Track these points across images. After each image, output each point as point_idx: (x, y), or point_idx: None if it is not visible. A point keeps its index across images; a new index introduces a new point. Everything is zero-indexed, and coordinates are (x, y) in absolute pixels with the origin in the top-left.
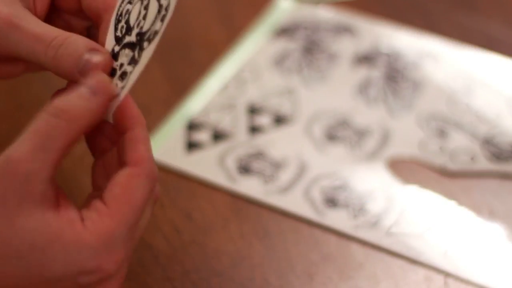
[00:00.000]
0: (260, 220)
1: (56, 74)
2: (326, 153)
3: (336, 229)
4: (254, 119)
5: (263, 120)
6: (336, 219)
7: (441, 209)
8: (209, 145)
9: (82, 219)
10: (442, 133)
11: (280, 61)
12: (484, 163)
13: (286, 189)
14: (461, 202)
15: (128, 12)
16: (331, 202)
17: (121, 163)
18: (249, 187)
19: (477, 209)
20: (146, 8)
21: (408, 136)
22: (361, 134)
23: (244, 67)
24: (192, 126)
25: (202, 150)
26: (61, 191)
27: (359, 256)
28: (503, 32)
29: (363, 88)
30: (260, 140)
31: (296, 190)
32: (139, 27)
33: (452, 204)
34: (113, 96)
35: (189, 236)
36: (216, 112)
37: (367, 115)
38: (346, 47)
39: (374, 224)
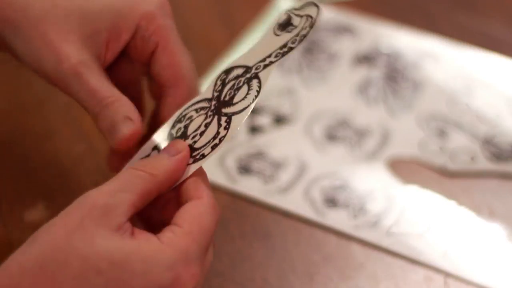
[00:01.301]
0: (260, 220)
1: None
2: (326, 153)
3: (336, 229)
4: (254, 119)
5: (263, 120)
6: (336, 219)
7: (441, 209)
8: None
9: (158, 238)
10: (442, 133)
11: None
12: (484, 163)
13: (286, 189)
14: (461, 202)
15: (191, 119)
16: (331, 202)
17: (186, 199)
18: (249, 187)
19: (477, 209)
20: (206, 126)
21: (408, 136)
22: (361, 134)
23: None
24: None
25: None
26: (137, 228)
27: (359, 256)
28: (503, 32)
29: (363, 88)
30: (260, 140)
31: (296, 190)
32: (193, 140)
33: (452, 204)
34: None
35: None
36: None
37: (367, 115)
38: (346, 47)
39: (374, 224)
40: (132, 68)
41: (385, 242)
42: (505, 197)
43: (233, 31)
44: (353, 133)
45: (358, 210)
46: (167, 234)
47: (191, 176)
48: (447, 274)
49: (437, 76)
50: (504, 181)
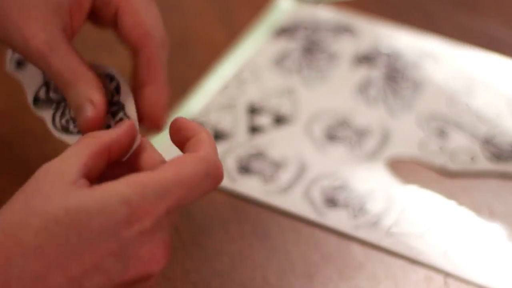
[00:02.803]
0: (260, 220)
1: None
2: (326, 153)
3: (336, 229)
4: (254, 119)
5: (263, 120)
6: (336, 219)
7: (441, 209)
8: None
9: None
10: (442, 133)
11: (280, 61)
12: (484, 163)
13: (286, 189)
14: (461, 202)
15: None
16: (331, 202)
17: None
18: (249, 187)
19: (477, 209)
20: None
21: (408, 136)
22: (361, 134)
23: (244, 67)
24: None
25: None
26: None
27: (359, 256)
28: (503, 32)
29: (363, 88)
30: (260, 140)
31: (296, 190)
32: None
33: (452, 204)
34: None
35: (189, 236)
36: (216, 112)
37: (367, 115)
38: (346, 47)
39: (374, 224)
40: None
41: (385, 242)
42: (505, 197)
43: (233, 31)
44: (353, 133)
45: (358, 210)
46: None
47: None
48: (447, 274)
49: (437, 76)
50: (504, 181)
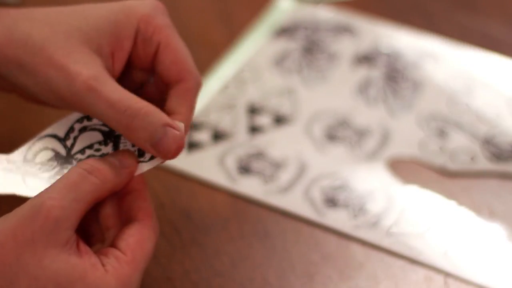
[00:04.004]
0: (260, 220)
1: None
2: (326, 153)
3: (336, 229)
4: (254, 119)
5: (263, 120)
6: (336, 219)
7: (441, 209)
8: (209, 145)
9: (103, 264)
10: (442, 133)
11: (280, 61)
12: (484, 163)
13: (286, 189)
14: (461, 202)
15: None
16: (331, 202)
17: (127, 220)
18: (249, 187)
19: (477, 209)
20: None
21: (408, 136)
22: (361, 134)
23: (244, 67)
24: (192, 126)
25: (202, 150)
26: (80, 238)
27: (359, 256)
28: (503, 32)
29: (363, 88)
30: (260, 140)
31: (296, 190)
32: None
33: (452, 204)
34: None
35: (189, 236)
36: (216, 112)
37: (367, 115)
38: (346, 47)
39: (374, 224)
40: (140, 74)
41: (385, 242)
42: (505, 197)
43: (233, 31)
44: (353, 133)
45: (358, 210)
46: (111, 262)
47: (133, 191)
48: (447, 274)
49: (437, 76)
50: (504, 181)
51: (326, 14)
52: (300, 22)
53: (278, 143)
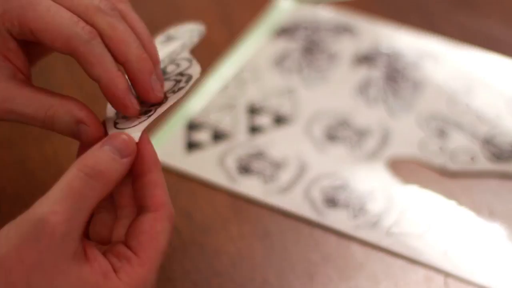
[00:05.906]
0: (260, 220)
1: None
2: (326, 153)
3: (336, 229)
4: (254, 119)
5: (263, 120)
6: (336, 219)
7: (441, 209)
8: (209, 145)
9: (115, 270)
10: (442, 133)
11: (280, 61)
12: (484, 163)
13: (286, 189)
14: (461, 202)
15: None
16: (331, 202)
17: (140, 206)
18: (249, 187)
19: (477, 209)
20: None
21: (408, 136)
22: (361, 134)
23: (244, 67)
24: (192, 126)
25: (202, 150)
26: (86, 242)
27: (359, 256)
28: (503, 32)
29: (363, 88)
30: (260, 140)
31: (296, 190)
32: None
33: (452, 204)
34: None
35: (189, 236)
36: (216, 112)
37: (367, 115)
38: (346, 47)
39: (374, 224)
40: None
41: (385, 242)
42: (505, 197)
43: (233, 31)
44: (353, 133)
45: (358, 210)
46: (124, 266)
47: (146, 178)
48: (447, 274)
49: (437, 76)
50: (504, 181)
51: (326, 14)
52: (300, 22)
53: (278, 143)
